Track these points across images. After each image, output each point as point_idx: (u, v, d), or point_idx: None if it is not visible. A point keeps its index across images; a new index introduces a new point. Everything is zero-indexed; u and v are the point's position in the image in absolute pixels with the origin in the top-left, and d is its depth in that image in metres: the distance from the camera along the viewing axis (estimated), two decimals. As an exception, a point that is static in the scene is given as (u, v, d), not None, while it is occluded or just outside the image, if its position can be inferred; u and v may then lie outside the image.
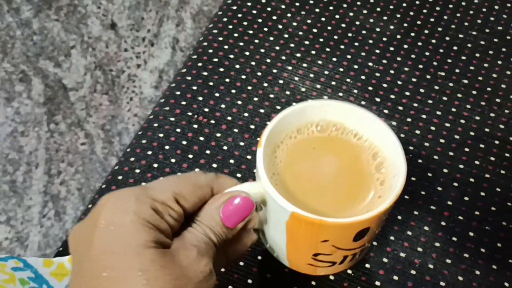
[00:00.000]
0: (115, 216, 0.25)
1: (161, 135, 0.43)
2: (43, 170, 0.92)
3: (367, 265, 0.38)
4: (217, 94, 0.45)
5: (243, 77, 0.46)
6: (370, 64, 0.48)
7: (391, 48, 0.49)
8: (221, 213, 0.28)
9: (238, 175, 0.41)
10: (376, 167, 0.32)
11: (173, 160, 0.41)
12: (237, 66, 0.47)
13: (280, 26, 0.49)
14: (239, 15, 0.50)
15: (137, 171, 0.41)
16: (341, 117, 0.33)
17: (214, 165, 0.41)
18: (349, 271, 0.38)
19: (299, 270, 0.34)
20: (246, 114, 0.44)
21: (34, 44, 1.05)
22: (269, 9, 0.51)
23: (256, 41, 0.48)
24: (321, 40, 0.49)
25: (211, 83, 0.45)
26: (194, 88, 0.45)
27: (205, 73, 0.46)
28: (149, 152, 0.42)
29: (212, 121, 0.43)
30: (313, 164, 0.32)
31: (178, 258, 0.26)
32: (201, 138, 0.42)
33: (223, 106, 0.44)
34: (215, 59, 0.47)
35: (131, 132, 0.98)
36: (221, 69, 0.46)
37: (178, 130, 0.43)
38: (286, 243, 0.31)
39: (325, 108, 0.33)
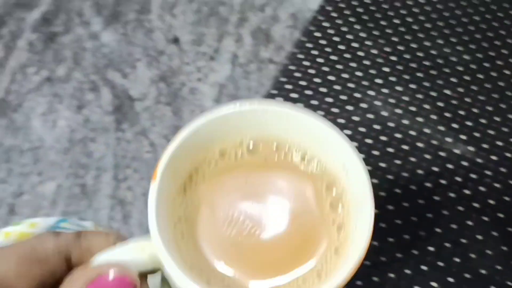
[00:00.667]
0: None
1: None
2: (111, 175, 0.98)
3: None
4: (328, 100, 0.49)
5: (329, 100, 0.50)
6: (447, 92, 0.51)
7: (467, 77, 0.52)
8: None
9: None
10: (331, 204, 0.22)
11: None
12: (323, 90, 0.51)
13: (361, 54, 0.53)
14: (323, 42, 0.54)
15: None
16: (283, 130, 0.23)
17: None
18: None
19: None
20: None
21: (103, 55, 1.12)
22: (350, 37, 0.55)
23: (339, 66, 0.52)
24: (400, 68, 0.53)
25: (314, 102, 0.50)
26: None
27: (294, 96, 0.50)
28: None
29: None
30: (241, 204, 0.22)
31: None
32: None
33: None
34: (302, 83, 0.51)
35: (192, 142, 1.04)
36: (308, 92, 0.50)
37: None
38: None
39: (258, 117, 0.22)
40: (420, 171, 0.47)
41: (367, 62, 0.52)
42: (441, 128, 0.48)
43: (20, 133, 1.01)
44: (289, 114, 0.23)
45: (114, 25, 1.16)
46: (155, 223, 0.20)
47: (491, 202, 0.44)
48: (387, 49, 0.54)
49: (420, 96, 0.50)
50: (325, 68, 0.52)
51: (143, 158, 1.00)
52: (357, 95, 0.50)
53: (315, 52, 0.54)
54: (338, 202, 0.23)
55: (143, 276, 0.21)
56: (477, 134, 0.48)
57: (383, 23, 0.55)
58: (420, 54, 0.54)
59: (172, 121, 1.05)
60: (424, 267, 0.42)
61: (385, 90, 0.51)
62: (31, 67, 1.09)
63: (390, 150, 0.47)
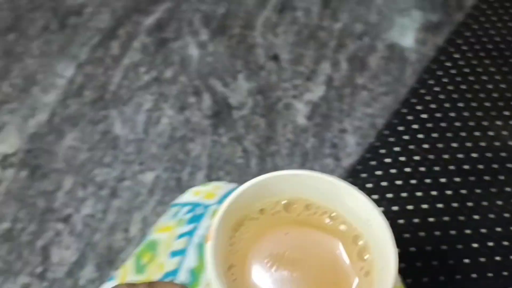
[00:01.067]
0: None
1: (388, 160, 0.51)
2: (204, 174, 1.04)
3: None
4: (434, 135, 0.53)
5: (457, 124, 0.54)
6: None
7: None
8: None
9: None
10: (358, 254, 0.27)
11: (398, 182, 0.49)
12: (452, 115, 0.54)
13: (490, 86, 0.57)
14: (453, 71, 0.58)
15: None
16: (312, 190, 0.28)
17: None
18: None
19: None
20: (460, 156, 0.51)
21: (208, 64, 1.20)
22: (479, 69, 0.58)
23: (468, 95, 0.56)
24: (527, 103, 0.56)
25: (429, 125, 0.54)
26: (414, 127, 0.54)
27: (424, 116, 0.54)
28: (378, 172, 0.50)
29: (431, 157, 0.51)
30: (280, 252, 0.27)
31: None
32: (422, 169, 0.50)
33: (440, 146, 0.52)
34: (432, 105, 0.55)
35: (283, 154, 1.09)
36: (438, 114, 0.54)
37: (402, 158, 0.51)
38: None
39: (292, 180, 0.28)
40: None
41: (495, 94, 0.56)
42: None
43: (127, 124, 1.10)
44: (317, 178, 0.26)
45: (220, 37, 1.25)
46: (214, 274, 0.23)
47: None
48: (514, 85, 0.57)
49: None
50: (454, 95, 0.56)
51: (235, 163, 1.06)
52: (485, 123, 0.54)
53: (444, 80, 0.58)
54: (364, 252, 0.26)
55: None
56: None
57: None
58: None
59: (265, 132, 1.11)
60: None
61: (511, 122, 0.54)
62: (143, 66, 1.19)
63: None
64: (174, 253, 0.34)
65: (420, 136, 0.52)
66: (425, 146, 0.52)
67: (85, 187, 1.03)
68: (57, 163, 1.04)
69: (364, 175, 0.50)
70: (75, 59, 1.19)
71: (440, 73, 0.57)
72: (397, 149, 0.51)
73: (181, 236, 0.36)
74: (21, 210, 0.99)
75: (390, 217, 0.47)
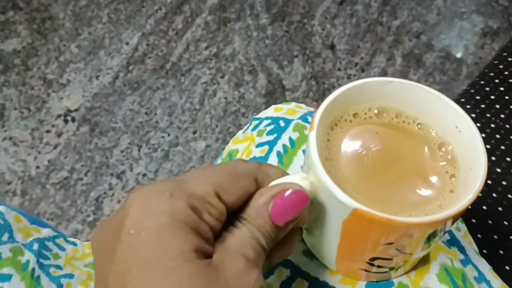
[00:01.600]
0: (145, 218, 0.21)
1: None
2: (255, 148, 1.07)
3: None
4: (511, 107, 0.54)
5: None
6: None
7: None
8: (270, 209, 0.23)
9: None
10: (444, 159, 0.27)
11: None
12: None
13: None
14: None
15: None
16: (402, 99, 0.28)
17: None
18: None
19: (347, 275, 0.30)
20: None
21: (266, 46, 1.24)
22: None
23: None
24: None
25: (506, 97, 0.55)
26: (492, 97, 0.55)
27: (502, 89, 0.56)
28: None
29: (507, 126, 0.52)
30: (371, 152, 0.27)
31: (223, 273, 0.21)
32: (497, 136, 0.52)
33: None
34: (510, 80, 0.57)
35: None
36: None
37: (478, 124, 0.52)
38: (339, 244, 0.27)
39: (385, 86, 0.28)
40: None
41: None
42: None
43: (184, 94, 1.14)
44: (409, 85, 0.28)
45: (279, 22, 1.28)
46: (318, 159, 0.24)
47: None
48: None
49: None
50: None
51: (285, 141, 1.09)
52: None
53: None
54: (449, 157, 0.27)
55: None
56: None
57: None
58: None
59: (316, 115, 1.13)
60: None
61: None
62: (203, 42, 1.23)
63: None
64: (253, 159, 0.35)
65: (497, 106, 0.53)
66: (502, 115, 0.53)
67: (140, 148, 1.07)
68: (116, 123, 1.09)
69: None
70: (140, 29, 1.24)
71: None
72: (473, 115, 0.53)
73: (260, 145, 0.37)
74: (78, 162, 1.03)
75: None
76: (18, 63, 1.15)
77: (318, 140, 0.25)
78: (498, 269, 0.44)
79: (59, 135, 1.06)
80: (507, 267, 0.44)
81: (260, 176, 0.25)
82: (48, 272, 0.32)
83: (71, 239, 0.37)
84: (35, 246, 0.32)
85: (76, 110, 1.10)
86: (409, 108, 0.28)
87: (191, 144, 1.08)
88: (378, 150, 0.27)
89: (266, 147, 0.38)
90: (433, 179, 0.26)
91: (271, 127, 0.39)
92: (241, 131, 0.43)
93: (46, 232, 0.35)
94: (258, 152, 0.37)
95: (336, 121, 0.28)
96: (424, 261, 0.30)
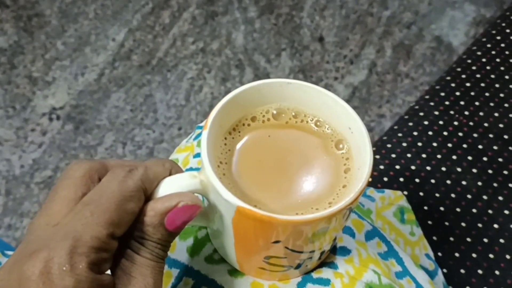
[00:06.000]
0: (44, 285, 0.20)
1: (426, 122, 0.51)
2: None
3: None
4: (476, 103, 0.52)
5: (501, 95, 0.53)
6: None
7: None
8: (165, 223, 0.23)
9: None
10: (340, 156, 0.28)
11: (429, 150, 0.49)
12: (497, 86, 0.54)
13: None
14: (502, 45, 0.58)
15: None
16: (301, 100, 0.29)
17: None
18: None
19: (251, 274, 0.30)
20: (501, 125, 0.51)
21: (253, 40, 1.22)
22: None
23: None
24: None
25: (472, 93, 0.53)
26: (457, 94, 0.53)
27: (468, 84, 0.54)
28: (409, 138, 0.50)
29: (471, 123, 0.51)
30: (267, 154, 0.28)
31: None
32: (460, 134, 0.50)
33: (481, 114, 0.51)
34: (477, 75, 0.55)
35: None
36: (482, 84, 0.54)
37: (441, 122, 0.51)
38: (234, 243, 0.27)
39: (284, 88, 0.29)
40: None
41: (543, 70, 0.55)
42: None
43: (170, 90, 1.14)
44: (307, 87, 0.29)
45: (267, 15, 1.27)
46: (206, 157, 0.25)
47: None
48: None
49: None
50: (502, 68, 0.55)
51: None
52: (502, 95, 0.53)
53: (493, 52, 0.58)
54: (345, 153, 0.28)
55: None
56: None
57: None
58: None
59: (303, 110, 1.12)
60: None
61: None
62: (190, 37, 1.22)
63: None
64: (188, 170, 0.35)
65: (462, 103, 0.52)
66: (466, 112, 0.51)
67: (125, 145, 1.07)
68: (101, 120, 1.09)
69: (400, 134, 0.50)
70: (127, 25, 1.23)
71: (488, 45, 0.56)
72: (436, 113, 0.51)
73: (198, 155, 0.36)
74: (63, 160, 1.03)
75: (423, 176, 0.47)
76: (4, 61, 1.15)
77: (211, 139, 0.26)
78: (453, 272, 0.43)
79: (44, 133, 1.06)
80: (462, 270, 0.43)
81: (148, 185, 0.24)
82: None
83: (9, 252, 0.36)
84: None
85: (61, 108, 1.10)
86: (308, 108, 0.29)
87: (176, 141, 1.07)
88: (273, 152, 0.28)
89: None
90: (328, 175, 0.27)
91: None
92: (185, 140, 0.42)
93: None
94: (195, 163, 0.36)
95: (234, 125, 0.29)
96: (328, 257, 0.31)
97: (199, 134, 0.39)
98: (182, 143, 0.40)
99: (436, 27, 1.24)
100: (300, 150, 0.28)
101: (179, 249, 0.30)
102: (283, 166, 0.27)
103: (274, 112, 0.29)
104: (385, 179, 0.47)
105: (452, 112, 0.51)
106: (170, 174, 0.25)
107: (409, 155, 0.49)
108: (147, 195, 0.24)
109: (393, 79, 1.16)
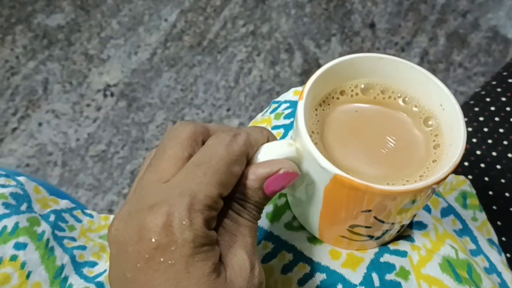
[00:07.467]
0: (171, 249, 0.21)
1: (492, 108, 0.51)
2: (287, 127, 1.07)
3: None
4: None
5: None
6: None
7: None
8: (264, 187, 0.25)
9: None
10: (429, 133, 0.28)
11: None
12: None
13: None
14: None
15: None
16: (391, 76, 0.29)
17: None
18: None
19: (330, 242, 0.31)
20: None
21: (303, 24, 1.22)
22: None
23: None
24: None
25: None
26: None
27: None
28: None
29: (540, 111, 0.50)
30: (355, 127, 0.28)
31: (234, 284, 0.23)
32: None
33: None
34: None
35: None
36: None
37: (508, 108, 0.50)
38: (321, 211, 0.28)
39: (375, 63, 0.29)
40: None
41: None
42: None
43: (220, 72, 1.15)
44: (399, 62, 0.28)
45: (319, 0, 1.26)
46: (304, 126, 0.25)
47: None
48: None
49: None
50: None
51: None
52: None
53: None
54: (434, 130, 0.28)
55: None
56: None
57: None
58: None
59: (352, 96, 1.11)
60: None
61: None
62: (241, 19, 1.23)
63: None
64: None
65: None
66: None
67: (175, 124, 1.09)
68: (152, 98, 1.11)
69: (465, 119, 0.49)
70: (179, 6, 1.25)
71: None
72: (503, 99, 0.50)
73: (276, 127, 0.37)
74: (116, 135, 1.07)
75: (488, 161, 0.47)
76: (62, 38, 1.20)
77: (306, 109, 0.26)
78: (517, 260, 0.43)
79: (98, 109, 1.10)
80: (527, 259, 0.43)
81: (250, 150, 0.25)
82: (62, 243, 0.33)
83: (88, 211, 0.38)
84: (52, 217, 0.34)
85: (115, 85, 1.13)
86: (396, 84, 0.29)
87: (224, 121, 1.09)
88: (360, 126, 0.28)
89: (282, 130, 0.38)
90: (417, 150, 0.27)
91: (289, 110, 0.39)
92: (260, 114, 0.43)
93: (64, 203, 0.37)
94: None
95: (324, 98, 0.29)
96: (405, 231, 0.31)
97: (276, 108, 0.40)
98: (258, 117, 0.41)
99: (493, 17, 1.20)
100: (387, 126, 0.28)
101: None
102: (371, 139, 0.28)
103: (363, 86, 0.30)
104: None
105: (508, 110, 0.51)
106: (267, 141, 0.26)
107: (474, 140, 0.49)
108: (249, 159, 0.25)
109: (445, 68, 1.14)
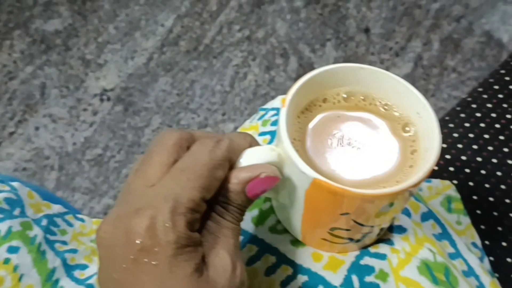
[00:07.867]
0: (155, 251, 0.22)
1: (478, 114, 0.52)
2: (282, 132, 1.08)
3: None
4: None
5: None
6: None
7: None
8: (246, 191, 0.26)
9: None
10: (407, 138, 0.29)
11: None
12: (552, 80, 0.54)
13: None
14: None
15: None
16: (371, 85, 0.30)
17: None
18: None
19: (312, 245, 0.32)
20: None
21: (298, 29, 1.23)
22: None
23: None
24: None
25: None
26: (511, 87, 0.53)
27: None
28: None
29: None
30: (338, 133, 0.29)
31: (215, 284, 0.23)
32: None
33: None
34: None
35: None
36: (537, 79, 0.54)
37: (493, 115, 0.51)
38: (303, 214, 0.29)
39: (356, 72, 0.30)
40: None
41: None
42: None
43: (215, 76, 1.16)
44: (379, 72, 0.30)
45: (313, 5, 1.27)
46: (286, 132, 0.26)
47: None
48: None
49: None
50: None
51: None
52: None
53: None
54: (412, 136, 0.29)
55: None
56: None
57: None
58: None
59: (346, 100, 1.12)
60: None
61: None
62: (236, 25, 1.24)
63: None
64: None
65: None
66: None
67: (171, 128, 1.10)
68: (148, 103, 1.12)
69: (451, 125, 0.50)
70: (175, 11, 1.26)
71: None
72: (489, 105, 0.51)
73: (263, 134, 0.38)
74: (112, 140, 1.08)
75: (473, 166, 0.48)
76: (59, 43, 1.21)
77: (288, 116, 0.27)
78: (499, 261, 0.44)
79: (95, 113, 1.11)
80: (508, 259, 0.44)
81: (233, 156, 0.26)
82: (53, 247, 0.34)
83: (80, 216, 0.39)
84: (44, 222, 0.35)
85: (111, 89, 1.14)
86: (377, 92, 0.31)
87: (220, 126, 1.10)
88: (342, 132, 0.30)
89: (268, 137, 0.39)
90: (395, 155, 0.29)
91: (276, 117, 0.40)
92: (248, 120, 0.44)
93: (56, 208, 0.38)
94: (260, 141, 0.38)
95: (307, 105, 0.30)
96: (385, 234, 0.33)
97: (263, 115, 0.41)
98: (246, 123, 0.42)
99: (487, 22, 1.21)
100: (368, 131, 0.30)
101: (245, 219, 0.32)
102: (352, 145, 0.29)
103: (345, 95, 0.31)
104: (435, 168, 0.48)
105: (505, 106, 0.52)
106: (250, 146, 0.27)
107: (460, 146, 0.50)
108: (232, 164, 0.26)
109: (439, 73, 1.15)
